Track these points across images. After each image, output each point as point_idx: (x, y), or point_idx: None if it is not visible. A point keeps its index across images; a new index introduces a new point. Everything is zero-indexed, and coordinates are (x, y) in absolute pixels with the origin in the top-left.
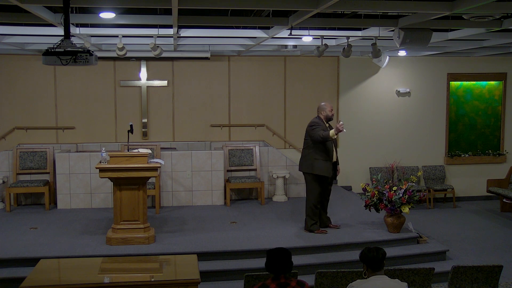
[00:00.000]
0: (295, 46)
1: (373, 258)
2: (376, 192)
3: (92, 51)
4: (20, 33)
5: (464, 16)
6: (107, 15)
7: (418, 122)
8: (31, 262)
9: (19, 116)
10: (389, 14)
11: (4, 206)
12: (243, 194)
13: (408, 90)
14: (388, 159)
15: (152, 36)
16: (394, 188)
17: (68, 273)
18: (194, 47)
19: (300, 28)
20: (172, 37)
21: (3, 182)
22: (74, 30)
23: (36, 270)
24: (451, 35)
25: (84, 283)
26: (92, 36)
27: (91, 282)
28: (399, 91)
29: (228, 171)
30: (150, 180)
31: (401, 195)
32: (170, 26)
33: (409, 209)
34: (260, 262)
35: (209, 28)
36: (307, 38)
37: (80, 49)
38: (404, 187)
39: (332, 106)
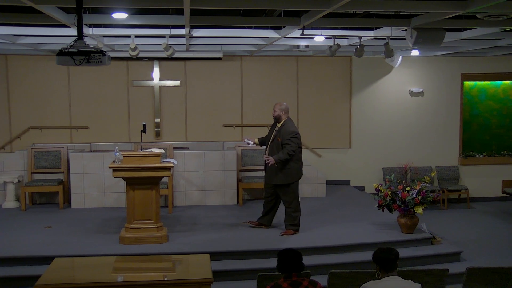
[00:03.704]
0: (307, 46)
1: (386, 258)
2: (389, 193)
3: (105, 52)
4: (34, 34)
5: (477, 15)
6: (120, 16)
7: (432, 123)
8: (46, 260)
9: (34, 116)
10: (401, 13)
11: (19, 205)
12: (256, 193)
13: (421, 90)
14: (401, 159)
15: (165, 36)
16: (408, 189)
17: (82, 272)
18: (207, 47)
19: (312, 28)
20: (184, 37)
21: (18, 181)
22: (87, 30)
23: (50, 269)
24: (464, 34)
25: (98, 281)
26: (105, 36)
27: (105, 281)
28: (412, 91)
29: (240, 170)
30: (163, 180)
31: (414, 195)
32: (182, 26)
33: (423, 209)
34: (273, 262)
35: (221, 28)
36: (319, 38)
37: (93, 50)
38: (417, 188)
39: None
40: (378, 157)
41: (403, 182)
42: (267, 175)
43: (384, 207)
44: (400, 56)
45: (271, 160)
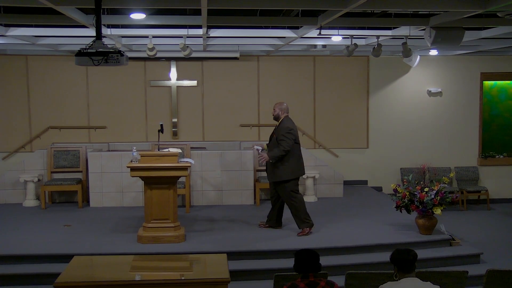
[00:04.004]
0: (324, 46)
1: (404, 260)
2: (407, 193)
3: (123, 52)
4: (54, 35)
5: (498, 14)
6: (138, 16)
7: (450, 123)
8: (65, 258)
9: (53, 116)
10: (420, 13)
11: (39, 203)
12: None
13: (439, 90)
14: (419, 159)
15: (182, 37)
16: (426, 189)
17: (100, 270)
18: (224, 47)
19: (330, 28)
20: (201, 37)
21: (38, 180)
22: (105, 31)
23: (70, 267)
24: (484, 33)
25: (116, 280)
26: (123, 36)
27: (123, 280)
28: (430, 91)
29: (257, 170)
30: (180, 179)
31: (433, 196)
32: (199, 27)
33: (441, 210)
34: (290, 262)
35: (238, 28)
36: (336, 38)
37: (111, 50)
38: (436, 188)
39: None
40: (396, 157)
41: (421, 182)
42: (267, 172)
43: (402, 208)
44: (418, 56)
45: (264, 157)
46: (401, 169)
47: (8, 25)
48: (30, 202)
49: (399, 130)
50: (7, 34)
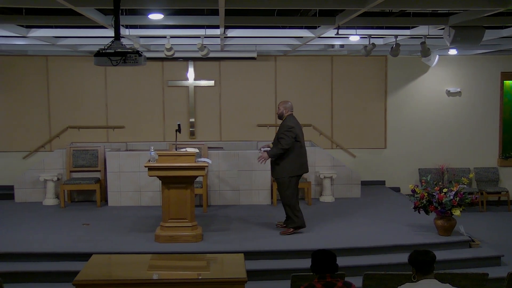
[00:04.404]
0: (342, 46)
1: (422, 261)
2: (426, 194)
3: (141, 52)
4: (73, 36)
5: None
6: (156, 17)
7: (470, 123)
8: (84, 256)
9: (72, 116)
10: (439, 12)
11: (58, 202)
12: None
13: (458, 90)
14: (438, 160)
15: (199, 37)
16: (445, 190)
17: (118, 269)
18: (241, 47)
19: (347, 28)
20: (219, 37)
21: (58, 179)
22: (124, 31)
23: (88, 265)
24: (505, 32)
25: (134, 279)
26: (141, 37)
27: (141, 278)
28: (449, 91)
29: None
30: (197, 179)
31: (451, 197)
32: (217, 27)
33: (460, 211)
34: (307, 263)
35: (256, 28)
36: (354, 38)
37: (129, 50)
38: (455, 189)
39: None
40: (414, 158)
41: (440, 183)
42: (271, 170)
43: (420, 209)
44: (437, 56)
45: (263, 157)
46: (419, 169)
47: (29, 27)
48: (49, 200)
49: (417, 130)
50: (28, 35)
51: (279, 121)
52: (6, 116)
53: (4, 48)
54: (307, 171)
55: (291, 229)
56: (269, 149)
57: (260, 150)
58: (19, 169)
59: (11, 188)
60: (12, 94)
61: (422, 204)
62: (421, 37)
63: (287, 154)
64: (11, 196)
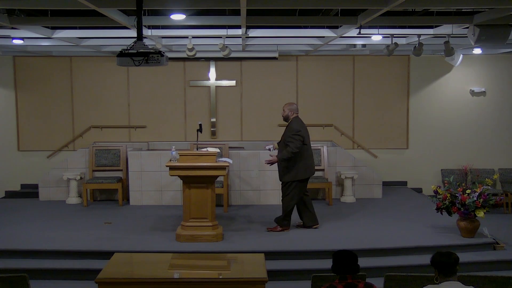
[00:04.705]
0: (364, 45)
1: (445, 263)
2: (448, 195)
3: (163, 52)
4: (97, 36)
5: None
6: (178, 17)
7: (494, 123)
8: (106, 255)
9: (95, 116)
10: (463, 10)
11: (81, 201)
12: (310, 194)
13: (483, 89)
14: (461, 160)
15: (221, 37)
16: (468, 191)
17: (139, 267)
18: (262, 47)
19: (369, 27)
20: (240, 37)
21: (80, 178)
22: (146, 32)
23: (110, 263)
24: None
25: (155, 277)
26: (163, 37)
27: (162, 277)
28: (473, 90)
29: None
30: (218, 179)
31: (475, 198)
32: (238, 27)
33: (484, 213)
34: (327, 263)
35: (277, 28)
36: (376, 37)
37: (151, 50)
38: (478, 190)
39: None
40: (436, 158)
41: (463, 184)
42: (279, 173)
43: (443, 210)
44: (461, 55)
45: (272, 160)
46: (442, 170)
47: (54, 28)
48: (72, 199)
49: (440, 130)
50: (53, 36)
51: None
52: (31, 116)
53: (30, 49)
54: (313, 174)
55: (279, 228)
56: (272, 147)
57: (264, 147)
58: (44, 168)
59: (35, 186)
60: (37, 94)
61: (445, 205)
62: (445, 36)
63: (294, 158)
64: (35, 195)
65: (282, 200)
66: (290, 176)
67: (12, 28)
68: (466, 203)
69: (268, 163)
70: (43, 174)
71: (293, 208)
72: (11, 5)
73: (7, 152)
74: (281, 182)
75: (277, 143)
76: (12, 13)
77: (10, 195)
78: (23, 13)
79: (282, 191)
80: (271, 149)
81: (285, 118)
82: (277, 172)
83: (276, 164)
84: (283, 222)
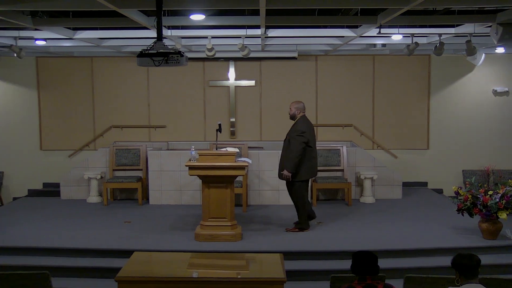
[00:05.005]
0: (384, 45)
1: (466, 265)
2: (470, 196)
3: (183, 52)
4: (117, 37)
5: None
6: (197, 17)
7: None
8: (125, 253)
9: (115, 116)
10: (485, 9)
11: (101, 200)
12: (330, 194)
13: (506, 89)
14: (483, 161)
15: (240, 37)
16: (490, 192)
17: (159, 266)
18: (282, 47)
19: (389, 26)
20: (259, 37)
21: (101, 177)
22: (166, 32)
23: (130, 262)
24: None
25: (174, 276)
26: (182, 37)
27: (180, 276)
28: (496, 90)
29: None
30: (237, 179)
31: (497, 199)
32: (258, 27)
33: (507, 215)
34: (347, 264)
35: (297, 28)
36: (396, 37)
37: (171, 51)
38: (501, 192)
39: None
40: (457, 159)
41: (485, 185)
42: (279, 172)
43: (464, 211)
44: (483, 54)
45: (286, 175)
46: (463, 170)
47: (76, 29)
48: (93, 198)
49: (462, 131)
50: (75, 37)
51: (320, 121)
52: (53, 116)
53: (52, 50)
54: (315, 175)
55: (297, 229)
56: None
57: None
58: (65, 167)
59: (57, 185)
60: (59, 94)
61: (466, 206)
62: (467, 36)
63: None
64: (57, 193)
65: (293, 202)
66: (295, 175)
67: (35, 29)
68: (488, 204)
69: (286, 179)
70: (64, 173)
71: (304, 206)
72: (35, 7)
73: (30, 151)
74: (286, 183)
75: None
76: (35, 15)
77: (32, 193)
78: (46, 14)
79: (289, 192)
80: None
81: (292, 117)
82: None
83: (279, 162)
84: (300, 225)
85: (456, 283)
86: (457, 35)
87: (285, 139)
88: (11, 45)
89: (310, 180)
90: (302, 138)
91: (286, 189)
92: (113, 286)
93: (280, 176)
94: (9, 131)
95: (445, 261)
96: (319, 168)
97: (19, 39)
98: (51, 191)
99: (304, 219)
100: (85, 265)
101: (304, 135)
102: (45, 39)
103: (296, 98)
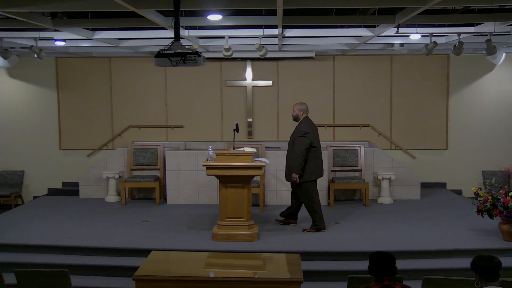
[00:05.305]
0: (402, 45)
1: (486, 267)
2: (490, 197)
3: (200, 53)
4: (135, 37)
5: None
6: (215, 17)
7: None
8: (143, 253)
9: (133, 115)
10: (506, 7)
11: (119, 199)
12: (347, 194)
13: None
14: (503, 162)
15: (258, 37)
16: (511, 194)
17: (176, 266)
18: (299, 47)
19: (407, 26)
20: (277, 37)
21: (119, 177)
22: (183, 32)
23: (147, 261)
24: None
25: (191, 276)
26: (200, 38)
27: (197, 276)
28: None
29: (332, 171)
30: (254, 178)
31: None
32: (275, 27)
33: None
34: (364, 264)
35: (314, 27)
36: (415, 36)
37: (189, 51)
38: None
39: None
40: (477, 159)
41: (506, 186)
42: (285, 173)
43: (484, 212)
44: (504, 53)
45: (294, 177)
46: (483, 171)
47: (94, 29)
48: (111, 197)
49: (481, 131)
50: (93, 37)
51: (338, 121)
52: (72, 116)
53: (71, 50)
54: (322, 175)
55: (313, 230)
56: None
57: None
58: (84, 167)
59: (76, 184)
60: (78, 94)
61: (486, 208)
62: (487, 35)
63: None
64: (76, 192)
65: (304, 204)
66: (301, 178)
67: (55, 30)
68: (509, 205)
69: (295, 181)
70: (83, 173)
71: (316, 206)
72: (55, 8)
73: (50, 151)
74: (292, 185)
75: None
76: (55, 16)
77: (52, 192)
78: (65, 15)
79: (298, 194)
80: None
81: (295, 118)
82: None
83: (286, 163)
84: (317, 226)
85: (476, 286)
86: (476, 34)
87: (289, 141)
88: (32, 46)
89: (328, 180)
90: (305, 139)
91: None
92: (130, 284)
93: (289, 179)
94: (29, 131)
95: (464, 262)
96: (336, 168)
97: (39, 40)
98: (70, 190)
99: (320, 219)
100: (103, 264)
101: (307, 135)
102: (64, 40)
103: (313, 98)
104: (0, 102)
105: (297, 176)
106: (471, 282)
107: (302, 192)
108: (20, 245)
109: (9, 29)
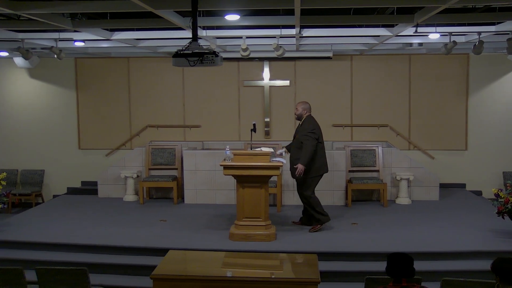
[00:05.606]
0: (420, 44)
1: (507, 269)
2: (511, 199)
3: (218, 53)
4: (153, 37)
5: None
6: (232, 17)
7: None
8: (160, 252)
9: (151, 115)
10: None
11: (137, 198)
12: (364, 195)
13: None
14: None
15: (275, 37)
16: None
17: (193, 265)
18: (316, 46)
19: (426, 25)
20: (294, 37)
21: (137, 176)
22: (201, 32)
23: (165, 260)
24: None
25: (208, 275)
26: (217, 38)
27: (215, 275)
28: None
29: (349, 171)
30: (272, 178)
31: None
32: (292, 27)
33: None
34: (381, 265)
35: (332, 27)
36: (434, 35)
37: (206, 51)
38: None
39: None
40: (497, 160)
41: None
42: (290, 170)
43: (505, 214)
44: None
45: (300, 169)
46: (503, 172)
47: (113, 30)
48: (129, 196)
49: (502, 131)
50: (112, 38)
51: (355, 121)
52: (91, 115)
53: (91, 51)
54: (327, 171)
55: (318, 226)
56: (283, 152)
57: (278, 153)
58: (102, 166)
59: (95, 183)
60: (97, 94)
61: (507, 209)
62: (508, 33)
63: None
64: (95, 191)
65: (302, 200)
66: (308, 173)
67: (74, 31)
68: None
69: (298, 174)
70: (101, 172)
71: (316, 201)
72: (75, 9)
73: (69, 150)
74: (296, 181)
75: (286, 146)
76: (74, 17)
77: (71, 191)
78: (84, 16)
79: (298, 191)
80: (283, 153)
81: (298, 117)
82: (330, 172)
83: (290, 162)
84: (318, 220)
85: None
86: (497, 33)
87: (292, 142)
88: (52, 46)
89: (346, 180)
90: (314, 135)
91: (320, 189)
92: (148, 283)
93: (294, 171)
94: (49, 131)
95: (484, 265)
96: (354, 169)
97: (59, 40)
98: (89, 189)
99: (320, 212)
100: (121, 262)
101: (314, 131)
102: (83, 41)
103: (330, 98)
104: (21, 103)
105: (303, 168)
106: (491, 285)
107: (307, 186)
108: (40, 243)
109: (30, 30)
